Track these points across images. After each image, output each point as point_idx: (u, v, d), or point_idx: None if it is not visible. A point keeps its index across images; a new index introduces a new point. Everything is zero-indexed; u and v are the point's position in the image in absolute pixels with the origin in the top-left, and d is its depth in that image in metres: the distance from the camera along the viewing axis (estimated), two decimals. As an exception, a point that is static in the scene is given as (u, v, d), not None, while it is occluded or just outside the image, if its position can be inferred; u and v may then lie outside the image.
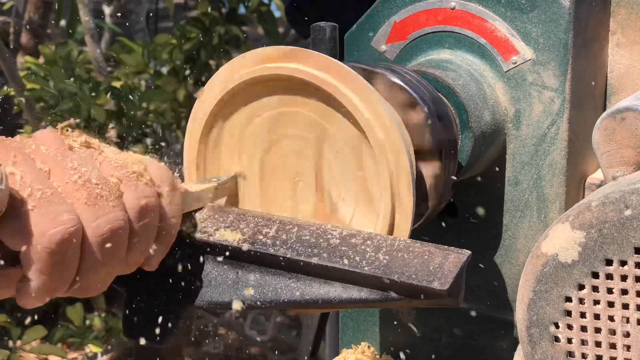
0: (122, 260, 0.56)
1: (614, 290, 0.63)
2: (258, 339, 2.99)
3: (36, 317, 2.63)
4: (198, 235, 0.63)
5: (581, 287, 0.64)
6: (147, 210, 0.56)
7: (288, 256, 0.60)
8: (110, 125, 2.95)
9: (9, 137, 0.56)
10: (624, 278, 0.63)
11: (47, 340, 2.51)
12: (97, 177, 0.54)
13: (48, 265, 0.52)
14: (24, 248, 0.51)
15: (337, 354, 0.95)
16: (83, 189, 0.53)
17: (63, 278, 0.53)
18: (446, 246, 0.61)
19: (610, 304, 0.63)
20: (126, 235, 0.55)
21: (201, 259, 0.63)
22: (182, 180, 0.65)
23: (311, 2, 1.59)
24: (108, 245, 0.54)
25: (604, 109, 0.88)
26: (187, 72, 3.33)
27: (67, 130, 0.58)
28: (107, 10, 4.33)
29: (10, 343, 2.36)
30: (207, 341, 3.09)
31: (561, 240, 0.64)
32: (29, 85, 2.88)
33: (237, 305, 0.62)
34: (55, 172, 0.54)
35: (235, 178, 0.73)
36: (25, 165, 0.53)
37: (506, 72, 0.82)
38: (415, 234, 0.68)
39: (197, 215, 0.64)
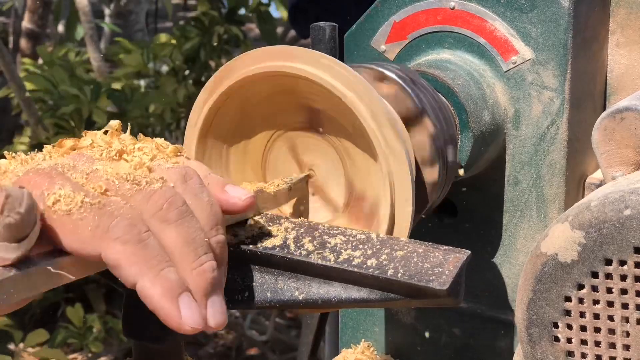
0: (197, 225, 0.55)
1: (613, 289, 0.63)
2: (257, 339, 2.99)
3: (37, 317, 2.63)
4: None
5: (581, 286, 0.64)
6: (190, 174, 0.57)
7: (288, 256, 0.60)
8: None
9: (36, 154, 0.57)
10: (623, 278, 0.63)
11: (48, 344, 2.51)
12: (133, 171, 0.56)
13: (130, 254, 0.52)
14: (96, 251, 0.51)
15: (336, 353, 0.95)
16: (125, 183, 0.55)
17: (154, 259, 0.52)
18: (446, 246, 0.60)
19: (610, 304, 0.63)
20: (183, 201, 0.55)
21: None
22: None
23: (311, 2, 1.59)
24: (172, 214, 0.54)
25: (604, 108, 0.88)
26: (187, 72, 3.33)
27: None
28: (106, 10, 4.33)
29: (12, 346, 2.36)
30: (207, 341, 3.09)
31: (561, 240, 0.64)
32: (29, 87, 2.88)
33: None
34: (93, 180, 0.55)
35: (306, 179, 0.72)
36: (65, 182, 0.53)
37: (506, 72, 0.82)
38: (415, 234, 0.68)
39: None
